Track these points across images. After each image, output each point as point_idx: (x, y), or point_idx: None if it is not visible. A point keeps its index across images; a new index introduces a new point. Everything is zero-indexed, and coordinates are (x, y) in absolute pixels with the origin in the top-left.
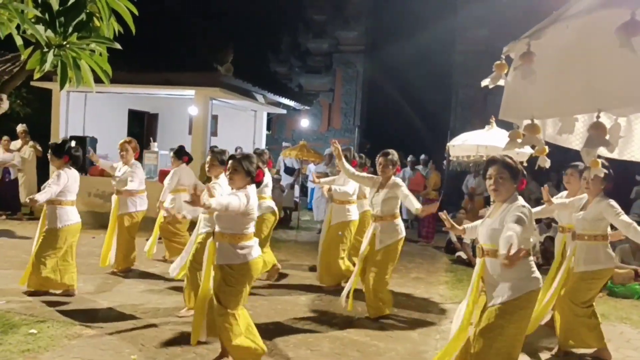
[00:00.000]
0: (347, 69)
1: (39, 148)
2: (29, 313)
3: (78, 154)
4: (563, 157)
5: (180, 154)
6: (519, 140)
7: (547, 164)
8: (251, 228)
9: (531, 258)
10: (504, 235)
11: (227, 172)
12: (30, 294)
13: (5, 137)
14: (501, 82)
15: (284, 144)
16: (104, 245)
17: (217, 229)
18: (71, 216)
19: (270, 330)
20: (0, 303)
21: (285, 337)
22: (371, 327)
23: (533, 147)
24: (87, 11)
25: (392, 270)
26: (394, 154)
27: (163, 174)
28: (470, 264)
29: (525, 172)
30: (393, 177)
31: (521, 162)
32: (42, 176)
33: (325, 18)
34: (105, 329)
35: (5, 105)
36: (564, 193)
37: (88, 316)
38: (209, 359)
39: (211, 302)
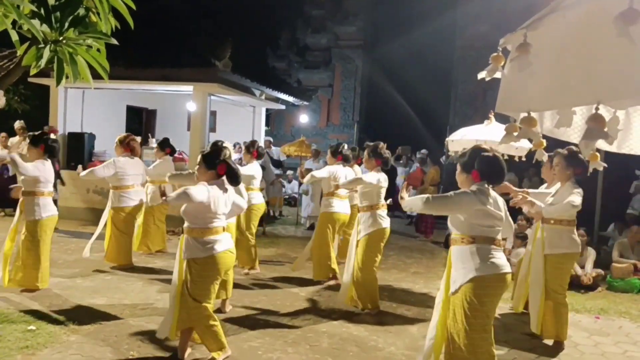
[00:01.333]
0: (346, 64)
1: None
2: (27, 309)
3: (54, 145)
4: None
5: (164, 145)
6: (515, 134)
7: (545, 157)
8: (217, 222)
9: (492, 246)
10: None
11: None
12: (23, 290)
13: (2, 134)
14: (498, 75)
15: (265, 138)
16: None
17: (184, 224)
18: (50, 207)
19: (269, 326)
20: None
21: (284, 333)
22: (370, 322)
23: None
24: (84, 6)
25: (379, 262)
26: (376, 147)
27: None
28: None
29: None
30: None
31: (520, 157)
32: None
33: (324, 13)
34: (104, 325)
35: (2, 101)
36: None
37: (87, 312)
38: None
39: (184, 296)
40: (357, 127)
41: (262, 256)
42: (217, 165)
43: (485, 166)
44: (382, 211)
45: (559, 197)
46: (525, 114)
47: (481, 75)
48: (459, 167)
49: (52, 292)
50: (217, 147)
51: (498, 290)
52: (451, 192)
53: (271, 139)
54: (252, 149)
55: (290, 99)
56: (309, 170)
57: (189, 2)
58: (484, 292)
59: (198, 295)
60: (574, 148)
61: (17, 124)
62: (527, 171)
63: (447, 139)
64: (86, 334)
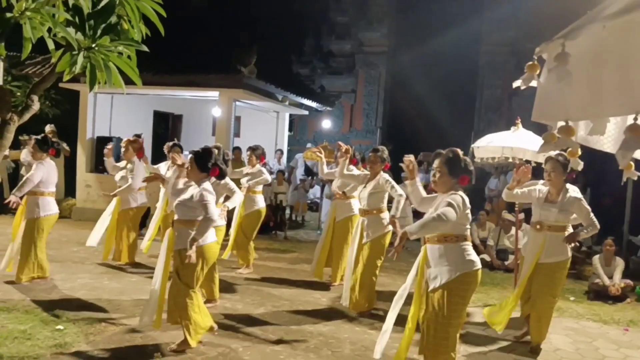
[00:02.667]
0: (369, 70)
1: (67, 148)
2: (56, 309)
3: (59, 147)
4: (591, 159)
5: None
6: (554, 143)
7: (580, 166)
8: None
9: (468, 243)
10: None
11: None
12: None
13: (33, 137)
14: (533, 84)
15: (308, 145)
16: (106, 240)
17: (175, 217)
18: (52, 206)
19: (291, 331)
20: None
21: (306, 338)
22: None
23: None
24: (116, 14)
25: (381, 266)
26: (383, 151)
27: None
28: (492, 266)
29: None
30: (381, 173)
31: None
32: (69, 175)
33: (348, 20)
34: (129, 325)
35: (36, 106)
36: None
37: (112, 312)
38: (232, 357)
39: (171, 286)
40: (379, 133)
41: (283, 260)
42: (210, 169)
43: (472, 173)
44: (387, 214)
45: (564, 204)
46: (563, 123)
47: (516, 83)
48: (444, 171)
49: (80, 292)
50: (209, 150)
51: (475, 285)
52: (458, 200)
53: (312, 146)
54: (258, 153)
55: (314, 104)
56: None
57: (216, 9)
58: (468, 287)
59: (188, 281)
60: (564, 154)
61: (48, 128)
62: None
63: (472, 145)
64: (112, 334)
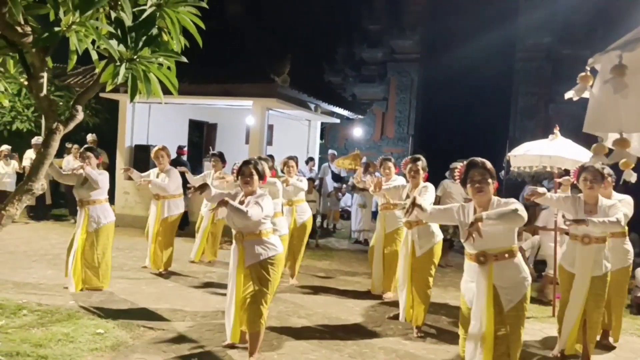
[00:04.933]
0: (401, 78)
1: (106, 160)
2: (96, 313)
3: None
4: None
5: (223, 159)
6: (604, 154)
7: (633, 178)
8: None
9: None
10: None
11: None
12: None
13: (75, 146)
14: (586, 95)
15: (329, 151)
16: (151, 249)
17: (238, 230)
18: (111, 214)
19: (325, 339)
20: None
21: (340, 347)
22: (427, 341)
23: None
24: (157, 27)
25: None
26: (423, 160)
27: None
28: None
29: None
30: (421, 183)
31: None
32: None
33: (380, 27)
34: (167, 331)
35: (80, 116)
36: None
37: (150, 318)
38: None
39: (255, 302)
40: (411, 141)
41: (316, 269)
42: (264, 175)
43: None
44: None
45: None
46: (618, 136)
47: (568, 95)
48: (489, 180)
49: (119, 297)
50: (261, 159)
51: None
52: (518, 201)
53: (335, 152)
54: (269, 164)
55: (345, 112)
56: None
57: (250, 19)
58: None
59: (268, 291)
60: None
61: (90, 137)
62: None
63: (508, 153)
64: (150, 339)
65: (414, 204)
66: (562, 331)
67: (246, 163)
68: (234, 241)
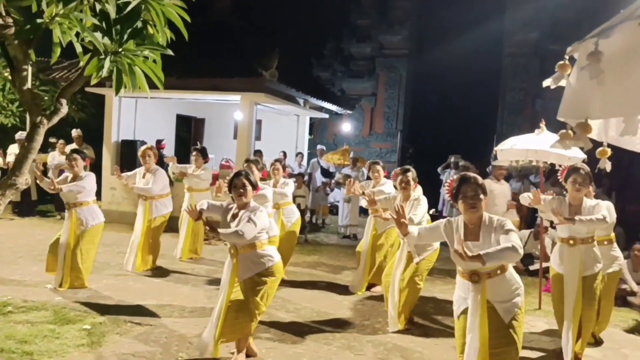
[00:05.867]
0: (390, 73)
1: (92, 156)
2: (83, 309)
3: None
4: (617, 163)
5: (204, 154)
6: (568, 142)
7: (608, 166)
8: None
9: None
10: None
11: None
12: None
13: (61, 141)
14: (563, 83)
15: (318, 146)
16: (139, 250)
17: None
18: (99, 215)
19: (313, 334)
20: (50, 286)
21: (328, 340)
22: (415, 334)
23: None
24: (142, 19)
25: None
26: (413, 171)
27: (213, 177)
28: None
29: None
30: (413, 194)
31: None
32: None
33: (369, 22)
34: (154, 326)
35: (65, 109)
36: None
37: (137, 313)
38: (255, 359)
39: (235, 310)
40: (400, 136)
41: (304, 264)
42: (256, 184)
43: None
44: None
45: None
46: (582, 120)
47: (546, 82)
48: (482, 197)
49: (105, 292)
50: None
51: None
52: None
53: (324, 147)
54: (259, 166)
55: (334, 107)
56: (347, 177)
57: (238, 14)
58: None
59: (259, 307)
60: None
61: (75, 132)
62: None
63: (495, 148)
64: (137, 334)
65: (400, 224)
66: (563, 335)
67: (237, 175)
68: (228, 255)
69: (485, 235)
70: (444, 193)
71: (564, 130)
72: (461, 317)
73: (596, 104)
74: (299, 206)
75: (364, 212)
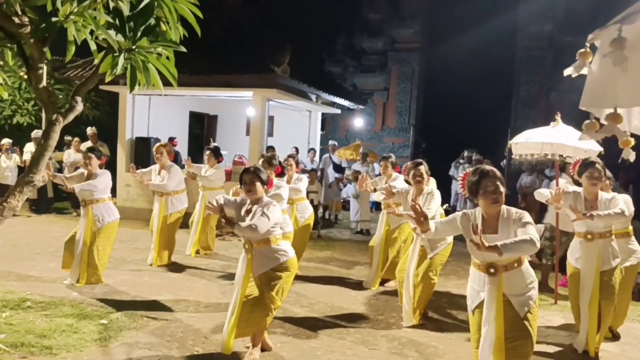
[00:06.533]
0: (402, 67)
1: (107, 153)
2: (100, 304)
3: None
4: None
5: (217, 154)
6: (596, 131)
7: (632, 156)
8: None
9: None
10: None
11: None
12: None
13: (76, 139)
14: (584, 71)
15: (330, 142)
16: (155, 245)
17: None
18: (115, 212)
19: (328, 327)
20: (67, 282)
21: (342, 335)
22: (430, 328)
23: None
24: (155, 16)
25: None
26: (425, 164)
27: (226, 174)
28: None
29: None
30: (426, 187)
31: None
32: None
33: (381, 17)
34: (170, 321)
35: (80, 107)
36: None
37: (153, 308)
38: (270, 353)
39: (251, 305)
40: (413, 131)
41: (318, 259)
42: (267, 181)
43: None
44: None
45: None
46: (612, 110)
47: (567, 71)
48: (502, 189)
49: (122, 288)
50: (263, 157)
51: None
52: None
53: (336, 143)
54: (275, 162)
55: (346, 103)
56: (357, 173)
57: (250, 10)
58: None
59: (275, 302)
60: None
61: (90, 130)
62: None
63: (510, 141)
64: (154, 328)
65: (419, 218)
66: (580, 329)
67: (246, 171)
68: (242, 250)
69: (503, 228)
70: (458, 187)
71: (588, 121)
72: (476, 311)
73: (623, 91)
74: (312, 202)
75: (376, 207)
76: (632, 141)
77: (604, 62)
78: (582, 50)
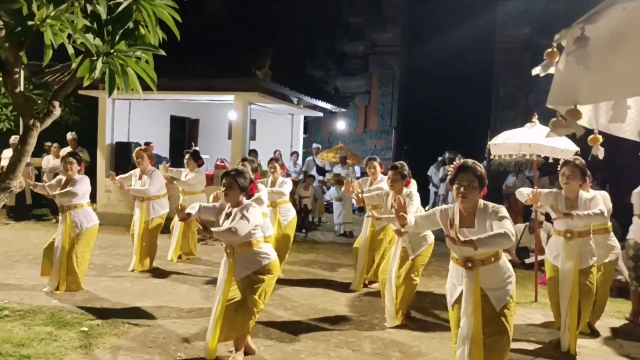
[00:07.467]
0: (383, 71)
1: (87, 159)
2: (80, 312)
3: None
4: (612, 155)
5: (197, 158)
6: (560, 129)
7: (601, 153)
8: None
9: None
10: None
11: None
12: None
13: (55, 145)
14: (552, 71)
15: (314, 145)
16: (137, 250)
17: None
18: (94, 217)
19: (312, 330)
20: (46, 290)
21: (326, 337)
22: (412, 328)
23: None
24: (133, 20)
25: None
26: (403, 167)
27: (208, 178)
28: (512, 264)
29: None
30: (405, 189)
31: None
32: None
33: (362, 20)
34: (152, 327)
35: (58, 112)
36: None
37: (135, 315)
38: (253, 356)
39: (233, 309)
40: (394, 133)
41: (301, 262)
42: (248, 187)
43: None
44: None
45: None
46: (572, 107)
47: (535, 71)
48: (476, 185)
49: (103, 294)
50: (242, 170)
51: None
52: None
53: (320, 146)
54: (254, 166)
55: (328, 106)
56: (337, 176)
57: (231, 13)
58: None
59: (257, 305)
60: (580, 158)
61: (69, 135)
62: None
63: (489, 142)
64: (135, 335)
65: (398, 212)
66: (562, 327)
67: (226, 174)
68: (224, 254)
69: (480, 222)
70: (440, 190)
71: (555, 119)
72: (455, 306)
73: (584, 89)
74: (305, 206)
75: (359, 209)
76: (600, 138)
77: (568, 60)
78: (550, 50)
